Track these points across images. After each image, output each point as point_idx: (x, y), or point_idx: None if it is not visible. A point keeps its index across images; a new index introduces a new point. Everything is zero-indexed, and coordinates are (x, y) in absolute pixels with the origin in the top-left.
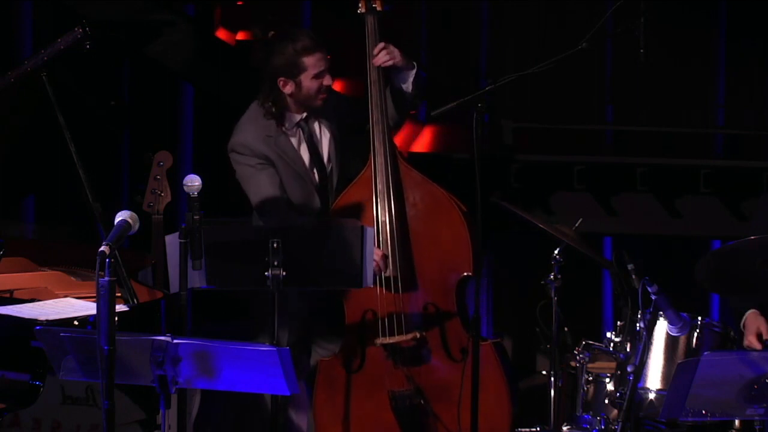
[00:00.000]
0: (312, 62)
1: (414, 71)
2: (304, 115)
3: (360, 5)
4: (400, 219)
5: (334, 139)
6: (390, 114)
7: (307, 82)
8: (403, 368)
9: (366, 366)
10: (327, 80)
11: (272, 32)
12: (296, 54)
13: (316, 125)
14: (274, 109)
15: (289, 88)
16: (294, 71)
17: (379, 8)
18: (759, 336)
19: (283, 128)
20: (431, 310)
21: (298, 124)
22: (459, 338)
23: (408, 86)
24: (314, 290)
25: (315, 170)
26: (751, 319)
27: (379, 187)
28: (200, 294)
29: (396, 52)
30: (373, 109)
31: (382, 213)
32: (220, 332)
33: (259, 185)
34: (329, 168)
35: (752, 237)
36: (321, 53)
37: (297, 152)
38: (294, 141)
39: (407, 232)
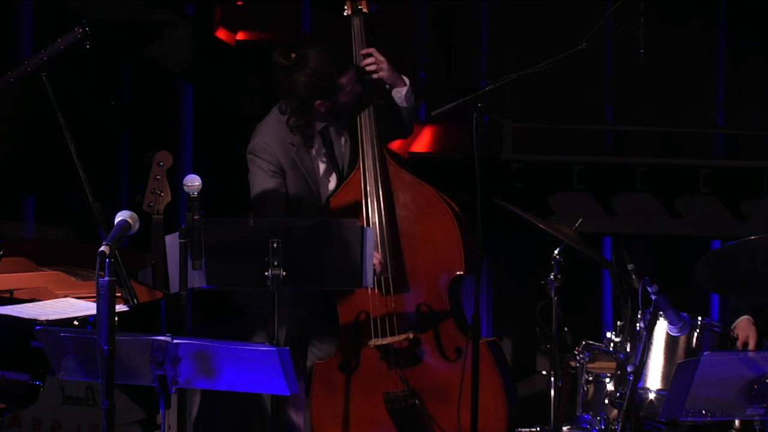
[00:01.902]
0: (347, 80)
1: (406, 89)
2: (324, 123)
3: (346, 7)
4: (391, 220)
5: (352, 143)
6: (384, 125)
7: (344, 98)
8: (397, 369)
9: (361, 367)
10: (358, 87)
11: (293, 54)
12: (331, 76)
13: (335, 131)
14: (304, 127)
15: (325, 107)
16: (332, 93)
17: (365, 9)
18: (745, 345)
19: (311, 143)
20: (424, 311)
21: (320, 132)
22: (453, 338)
23: (401, 101)
24: (313, 290)
25: (331, 177)
26: (742, 326)
27: (368, 188)
28: (200, 294)
29: (384, 63)
30: (360, 113)
31: (372, 214)
32: (220, 332)
33: (265, 190)
34: (345, 173)
35: (752, 237)
36: (353, 68)
37: (313, 164)
38: (314, 150)
39: (398, 233)
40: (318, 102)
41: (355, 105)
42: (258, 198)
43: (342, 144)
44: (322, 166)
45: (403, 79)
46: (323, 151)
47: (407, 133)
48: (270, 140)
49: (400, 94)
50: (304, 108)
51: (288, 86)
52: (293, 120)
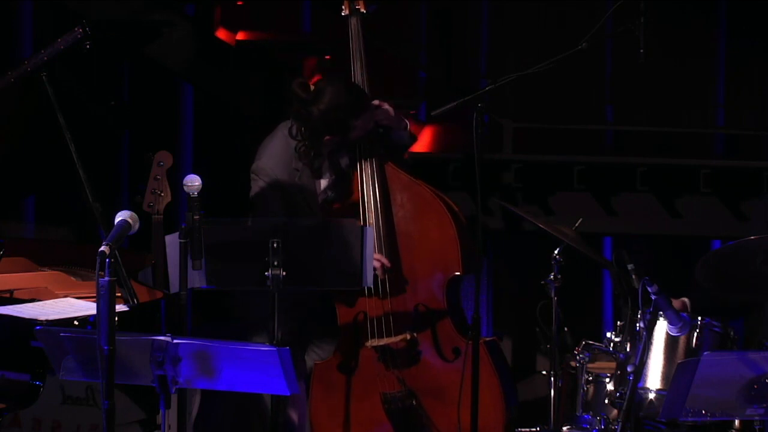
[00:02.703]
0: (362, 123)
1: (405, 131)
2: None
3: (343, 7)
4: (388, 221)
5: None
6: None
7: (355, 135)
8: (394, 370)
9: (360, 368)
10: (371, 125)
11: (312, 86)
12: (346, 117)
13: (347, 158)
14: (313, 158)
15: (332, 142)
16: (344, 131)
17: (362, 10)
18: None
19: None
20: (422, 311)
21: (328, 156)
22: (451, 338)
23: (400, 140)
24: (313, 290)
25: (334, 192)
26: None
27: (366, 189)
28: (200, 294)
29: (390, 111)
30: None
31: (369, 215)
32: (220, 332)
33: (268, 209)
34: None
35: (752, 237)
36: (370, 110)
37: (315, 190)
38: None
39: (395, 234)
40: (328, 139)
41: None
42: (260, 215)
43: (344, 162)
44: (323, 183)
45: (403, 121)
46: (327, 171)
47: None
48: (274, 164)
49: (399, 134)
50: (314, 139)
51: (302, 116)
52: (303, 148)
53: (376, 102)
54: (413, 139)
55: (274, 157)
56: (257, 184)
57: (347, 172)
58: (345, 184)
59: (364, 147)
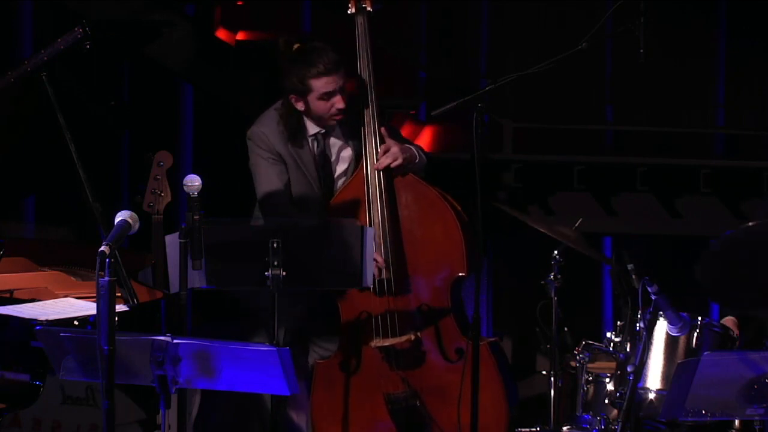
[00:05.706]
0: (319, 85)
1: (424, 163)
2: (322, 130)
3: (350, 5)
4: (393, 220)
5: (357, 158)
6: None
7: (315, 102)
8: (398, 370)
9: (362, 368)
10: (339, 103)
11: (297, 45)
12: (304, 76)
13: (335, 142)
14: (288, 117)
15: (300, 106)
16: (302, 91)
17: (369, 8)
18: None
19: (300, 140)
20: (426, 311)
21: (314, 136)
22: (454, 339)
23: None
24: (313, 290)
25: (321, 183)
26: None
27: (371, 188)
28: (200, 294)
29: (397, 152)
30: (365, 112)
31: (374, 214)
32: (220, 332)
33: (268, 179)
34: (339, 183)
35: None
36: (333, 77)
37: (310, 157)
38: (308, 149)
39: (400, 234)
40: (292, 96)
41: (355, 108)
42: (261, 186)
43: (338, 155)
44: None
45: (413, 154)
46: (313, 154)
47: None
48: (267, 130)
49: (418, 171)
50: (285, 97)
51: (281, 72)
52: (282, 110)
53: (381, 150)
54: (426, 167)
55: (268, 124)
56: (254, 152)
57: (327, 155)
58: (328, 169)
59: (368, 128)
